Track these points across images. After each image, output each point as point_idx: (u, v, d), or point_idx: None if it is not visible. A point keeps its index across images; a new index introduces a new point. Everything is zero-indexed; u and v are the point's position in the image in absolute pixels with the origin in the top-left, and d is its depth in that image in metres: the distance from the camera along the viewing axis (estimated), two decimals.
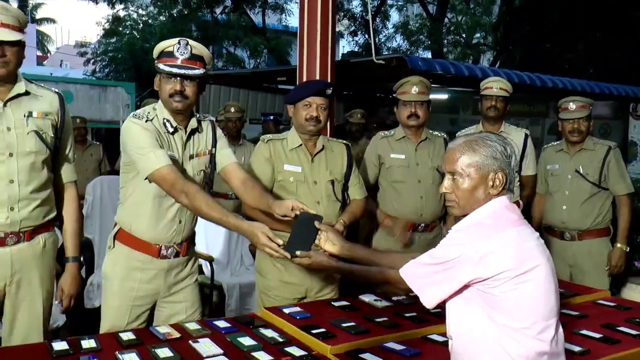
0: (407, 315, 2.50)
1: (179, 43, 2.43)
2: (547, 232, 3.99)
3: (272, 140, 3.00)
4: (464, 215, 1.90)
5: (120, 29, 16.40)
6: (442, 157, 3.56)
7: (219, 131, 2.72)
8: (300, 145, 2.97)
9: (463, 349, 1.87)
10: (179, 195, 2.36)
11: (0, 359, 1.95)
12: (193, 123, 2.58)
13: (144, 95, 15.24)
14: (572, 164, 3.92)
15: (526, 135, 3.97)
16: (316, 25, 4.74)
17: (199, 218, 2.64)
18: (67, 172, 2.61)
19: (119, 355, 1.95)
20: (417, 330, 2.36)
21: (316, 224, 2.34)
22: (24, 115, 2.40)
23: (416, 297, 2.59)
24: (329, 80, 4.61)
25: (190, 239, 2.68)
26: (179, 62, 2.42)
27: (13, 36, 2.29)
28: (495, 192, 1.85)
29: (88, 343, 2.07)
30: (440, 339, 2.27)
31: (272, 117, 7.21)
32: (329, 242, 2.33)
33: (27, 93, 2.42)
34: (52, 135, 2.48)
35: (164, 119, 2.51)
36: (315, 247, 2.34)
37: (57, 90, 2.58)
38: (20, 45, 2.34)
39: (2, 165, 2.34)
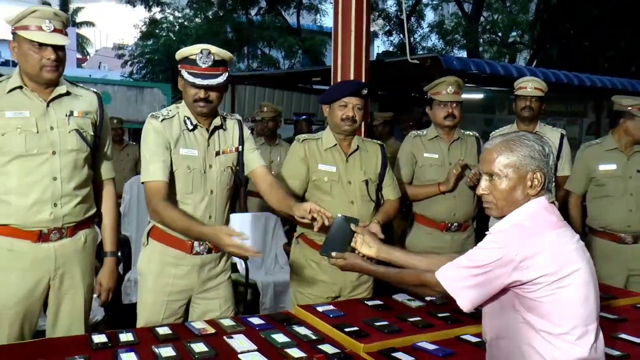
0: (440, 315, 2.49)
1: (201, 52, 2.44)
2: (596, 234, 3.80)
3: (307, 140, 3.02)
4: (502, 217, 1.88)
5: (157, 31, 16.65)
6: (474, 156, 3.58)
7: (246, 131, 2.75)
8: (335, 145, 2.98)
9: (499, 352, 1.85)
10: (150, 211, 2.51)
11: (45, 350, 2.01)
12: (217, 121, 2.61)
13: (179, 96, 15.46)
14: (631, 164, 3.72)
15: (562, 135, 3.92)
16: (350, 26, 4.77)
17: (231, 215, 2.71)
18: (105, 170, 2.68)
19: (156, 349, 1.99)
20: (451, 331, 2.35)
21: (352, 226, 2.35)
22: (66, 115, 2.47)
23: (450, 298, 2.58)
24: (363, 80, 4.63)
25: None
26: (201, 71, 2.44)
27: (64, 40, 2.38)
28: (534, 193, 1.82)
29: (126, 336, 2.12)
30: (473, 339, 2.25)
31: (304, 117, 7.22)
32: (365, 245, 2.31)
33: (68, 93, 2.50)
34: (92, 133, 2.56)
35: (185, 116, 2.56)
36: (351, 249, 2.34)
37: (95, 90, 2.66)
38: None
39: (46, 163, 2.41)
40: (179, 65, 2.52)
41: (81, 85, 2.64)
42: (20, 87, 2.41)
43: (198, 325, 2.28)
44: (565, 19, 13.32)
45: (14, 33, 2.38)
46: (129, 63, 18.82)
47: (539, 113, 3.88)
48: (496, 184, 1.84)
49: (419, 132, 3.67)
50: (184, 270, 2.59)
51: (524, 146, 1.82)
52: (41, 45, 2.33)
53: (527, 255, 1.71)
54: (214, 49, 2.48)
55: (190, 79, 2.45)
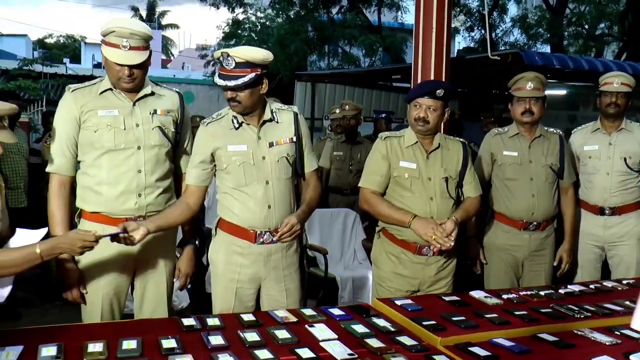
0: (517, 313, 2.49)
1: (222, 55, 2.59)
2: None
3: (389, 137, 3.09)
4: None
5: (239, 31, 17.01)
6: (556, 155, 3.53)
7: (304, 126, 2.83)
8: (416, 142, 3.03)
9: None
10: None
11: (139, 330, 2.17)
12: (266, 115, 2.72)
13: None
14: None
15: None
16: (432, 22, 4.75)
17: (294, 205, 2.80)
18: (186, 163, 2.83)
19: (241, 334, 2.11)
20: (528, 329, 2.34)
21: None
22: (150, 113, 2.68)
23: (528, 296, 2.57)
24: (443, 78, 4.62)
25: None
26: (227, 72, 2.57)
27: (139, 58, 2.55)
28: None
29: (212, 321, 2.26)
30: (550, 338, 2.23)
31: (383, 115, 7.24)
32: None
33: (152, 94, 2.71)
34: (173, 130, 2.75)
35: (232, 116, 2.71)
36: None
37: (177, 90, 2.85)
38: (146, 59, 2.59)
39: (131, 157, 2.63)
40: None
41: (165, 85, 2.84)
42: (111, 89, 2.64)
43: (280, 313, 2.39)
44: None
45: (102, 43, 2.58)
46: (212, 63, 19.32)
47: (625, 110, 3.76)
48: None
49: (500, 129, 3.65)
50: (251, 259, 2.71)
51: None
52: None
53: None
54: (233, 51, 2.57)
55: (216, 79, 2.61)
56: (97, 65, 25.90)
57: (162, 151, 2.71)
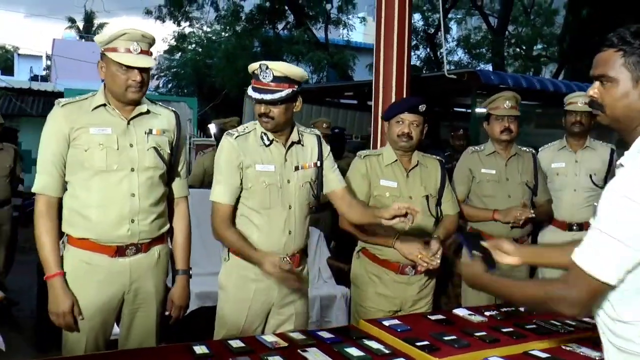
0: (504, 330, 2.49)
1: (259, 67, 2.50)
2: None
3: (369, 156, 3.07)
4: None
5: (185, 45, 16.79)
6: (530, 173, 3.60)
7: (326, 148, 2.77)
8: (396, 160, 3.02)
9: None
10: (213, 230, 2.63)
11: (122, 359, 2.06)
12: (294, 136, 2.65)
13: (205, 110, 15.55)
14: None
15: (612, 150, 3.91)
16: (392, 41, 4.81)
17: (309, 232, 2.76)
18: (179, 187, 2.70)
19: None
20: (518, 346, 2.34)
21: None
22: (145, 132, 2.51)
23: (509, 312, 2.58)
24: (404, 95, 4.67)
25: (302, 251, 2.73)
26: (263, 86, 2.49)
27: (150, 62, 2.43)
28: None
29: (200, 349, 2.14)
30: (542, 355, 2.24)
31: (337, 131, 7.23)
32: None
33: (148, 112, 2.54)
34: (169, 151, 2.59)
35: (261, 132, 2.61)
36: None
37: (174, 109, 2.70)
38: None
39: (124, 179, 2.44)
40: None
41: (161, 103, 2.69)
42: (104, 105, 2.46)
43: (269, 338, 2.30)
44: (597, 31, 13.17)
45: (103, 54, 2.43)
46: (155, 77, 18.98)
47: (589, 128, 3.87)
48: None
49: (476, 147, 3.70)
50: (264, 285, 2.62)
51: None
52: (128, 67, 2.38)
53: None
54: (272, 64, 2.51)
55: (251, 93, 2.52)
56: (34, 78, 25.02)
57: (157, 173, 2.53)
